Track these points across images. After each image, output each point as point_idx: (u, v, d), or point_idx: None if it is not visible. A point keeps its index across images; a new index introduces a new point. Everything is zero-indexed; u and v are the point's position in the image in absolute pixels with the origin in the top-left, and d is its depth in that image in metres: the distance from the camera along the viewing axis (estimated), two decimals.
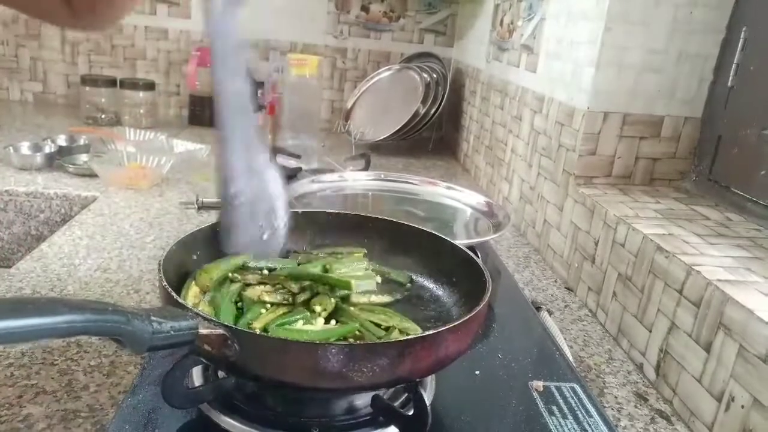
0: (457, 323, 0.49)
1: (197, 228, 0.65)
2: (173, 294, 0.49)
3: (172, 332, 0.43)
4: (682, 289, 0.72)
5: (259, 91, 1.74)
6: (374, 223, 0.73)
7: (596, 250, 0.95)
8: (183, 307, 0.47)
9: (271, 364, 0.46)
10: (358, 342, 0.52)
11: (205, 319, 0.45)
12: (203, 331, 0.44)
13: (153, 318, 0.42)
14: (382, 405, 0.52)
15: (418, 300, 0.66)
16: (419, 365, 0.48)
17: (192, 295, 0.58)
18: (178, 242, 0.60)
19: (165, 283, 0.50)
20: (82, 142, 1.52)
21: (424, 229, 0.70)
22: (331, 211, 0.75)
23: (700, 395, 0.67)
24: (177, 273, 0.59)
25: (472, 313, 0.50)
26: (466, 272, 0.63)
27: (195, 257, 0.63)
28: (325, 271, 0.62)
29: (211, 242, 0.65)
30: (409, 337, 0.47)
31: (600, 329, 0.89)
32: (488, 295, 0.54)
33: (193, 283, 0.59)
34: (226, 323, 0.46)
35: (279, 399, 0.54)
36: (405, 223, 0.72)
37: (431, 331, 0.48)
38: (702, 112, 1.02)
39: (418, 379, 0.53)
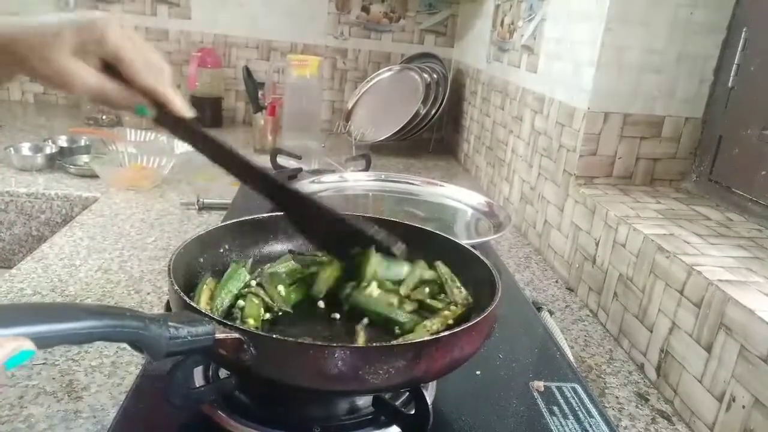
0: (470, 324, 0.49)
1: (204, 230, 0.65)
2: (185, 298, 0.49)
3: (189, 337, 0.42)
4: (683, 289, 0.72)
5: (260, 92, 1.75)
6: (384, 225, 0.73)
7: (597, 250, 0.95)
8: (199, 312, 0.47)
9: (288, 367, 0.46)
10: (375, 344, 0.52)
11: (221, 323, 0.45)
12: (219, 335, 0.44)
13: (170, 323, 0.42)
14: (383, 404, 0.52)
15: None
16: (434, 366, 0.48)
17: (205, 299, 0.58)
18: (186, 244, 0.60)
19: (177, 287, 0.50)
20: (82, 142, 1.52)
21: (434, 231, 0.70)
22: (341, 213, 0.75)
23: (701, 395, 0.67)
24: (184, 276, 0.59)
25: (484, 314, 0.51)
26: (476, 274, 0.63)
27: (202, 260, 0.63)
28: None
29: (218, 244, 0.66)
30: (425, 338, 0.47)
31: (601, 329, 0.89)
32: (499, 296, 0.54)
33: (206, 286, 0.59)
34: (242, 327, 0.46)
35: (281, 399, 0.54)
36: (416, 225, 0.72)
37: (446, 333, 0.48)
38: (702, 112, 1.02)
39: (431, 381, 0.53)
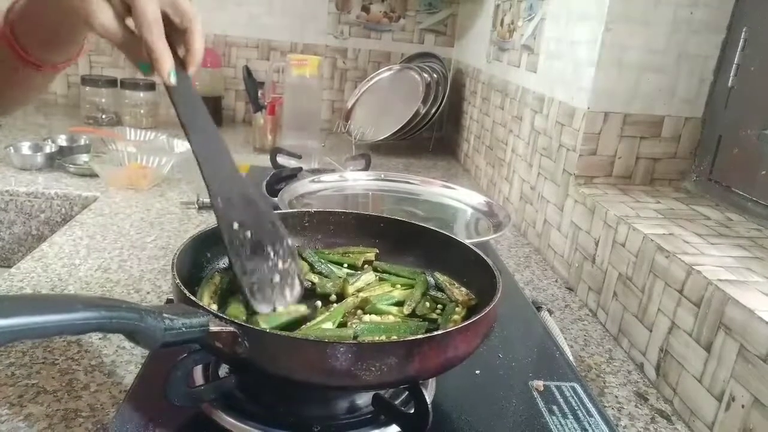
0: (465, 324, 0.49)
1: (211, 226, 0.65)
2: (185, 290, 0.49)
3: (183, 329, 0.43)
4: (682, 288, 0.72)
5: (260, 91, 1.75)
6: (386, 223, 0.73)
7: (597, 250, 0.95)
8: (194, 304, 0.48)
9: (281, 361, 0.46)
10: (366, 341, 0.52)
11: (216, 316, 0.46)
12: (214, 328, 0.45)
13: (165, 315, 0.43)
14: (383, 404, 0.52)
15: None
16: (427, 365, 0.48)
17: (209, 294, 0.58)
18: (192, 240, 0.60)
19: (178, 280, 0.50)
20: (82, 142, 1.52)
21: (435, 229, 0.71)
22: (343, 211, 0.75)
23: (700, 395, 0.67)
24: (190, 271, 0.59)
25: (481, 314, 0.50)
26: (477, 273, 0.63)
27: (208, 254, 0.63)
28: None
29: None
30: (418, 336, 0.47)
31: (600, 329, 0.89)
32: (498, 297, 0.54)
33: (210, 281, 0.60)
34: (236, 321, 0.46)
35: (280, 398, 0.54)
36: (417, 223, 0.73)
37: (440, 332, 0.48)
38: (702, 112, 1.02)
39: (427, 379, 0.53)
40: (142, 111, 1.87)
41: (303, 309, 0.59)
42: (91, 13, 0.49)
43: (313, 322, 0.56)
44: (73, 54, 0.64)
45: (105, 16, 0.50)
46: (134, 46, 0.51)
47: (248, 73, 1.71)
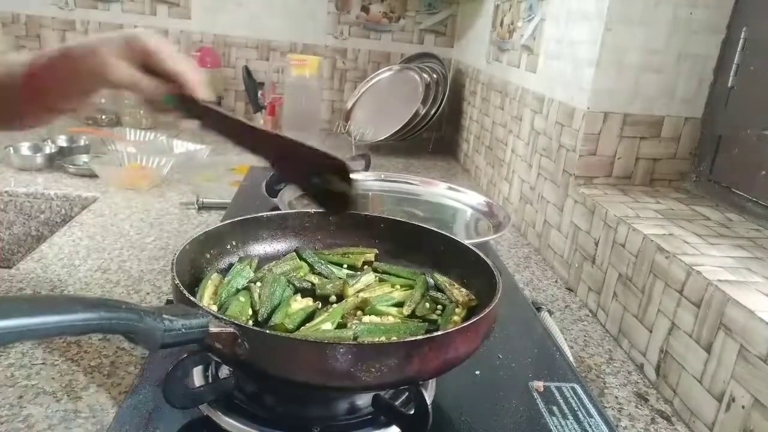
0: (465, 325, 0.49)
1: (211, 227, 0.65)
2: (184, 291, 0.49)
3: (183, 330, 0.43)
4: (682, 289, 0.72)
5: (260, 92, 1.75)
6: (385, 224, 0.73)
7: (596, 250, 0.95)
8: (194, 305, 0.48)
9: (281, 362, 0.46)
10: (366, 342, 0.52)
11: (215, 317, 0.46)
12: (213, 329, 0.45)
13: (165, 316, 0.42)
14: (383, 404, 0.52)
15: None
16: (427, 366, 0.48)
17: (209, 294, 0.58)
18: (192, 240, 0.60)
19: (177, 281, 0.50)
20: (82, 142, 1.52)
21: (435, 229, 0.71)
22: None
23: (700, 395, 0.67)
24: (190, 271, 0.59)
25: (481, 315, 0.50)
26: (477, 273, 0.63)
27: (208, 255, 0.63)
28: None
29: (225, 241, 0.66)
30: (417, 337, 0.47)
31: (600, 329, 0.89)
32: (498, 297, 0.54)
33: (210, 282, 0.60)
34: (236, 322, 0.46)
35: (280, 399, 0.54)
36: (417, 223, 0.72)
37: (440, 332, 0.48)
38: (702, 112, 1.02)
39: (426, 380, 0.53)
40: (141, 111, 1.87)
41: (312, 303, 0.60)
42: (110, 69, 0.59)
43: (313, 322, 0.56)
44: (82, 106, 0.71)
45: (123, 69, 0.59)
46: (148, 85, 0.60)
47: (248, 73, 1.72)
